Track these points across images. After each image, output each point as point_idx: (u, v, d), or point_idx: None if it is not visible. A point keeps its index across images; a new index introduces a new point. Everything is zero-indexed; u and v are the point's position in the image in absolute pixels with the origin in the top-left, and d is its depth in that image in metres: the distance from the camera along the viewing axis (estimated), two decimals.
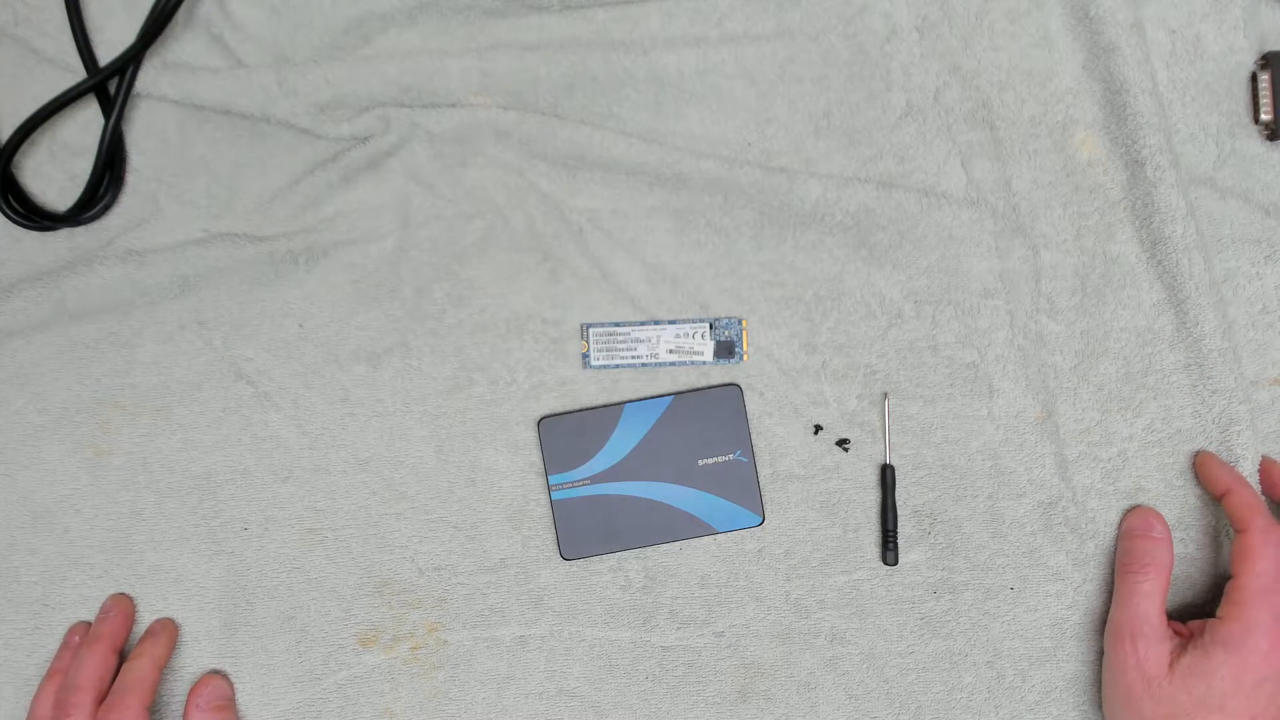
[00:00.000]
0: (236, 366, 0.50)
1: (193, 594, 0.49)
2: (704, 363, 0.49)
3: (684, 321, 0.49)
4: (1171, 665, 0.43)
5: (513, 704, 0.49)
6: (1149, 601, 0.45)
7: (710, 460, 0.49)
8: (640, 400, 0.49)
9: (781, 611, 0.49)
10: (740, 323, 0.49)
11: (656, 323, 0.49)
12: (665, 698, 0.49)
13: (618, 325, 0.49)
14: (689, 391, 0.49)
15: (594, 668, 0.49)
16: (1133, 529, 0.48)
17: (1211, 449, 0.49)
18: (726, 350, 0.49)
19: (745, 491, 0.49)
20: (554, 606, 0.49)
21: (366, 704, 0.49)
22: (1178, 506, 0.49)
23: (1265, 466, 0.48)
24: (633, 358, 0.49)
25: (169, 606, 0.49)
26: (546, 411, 0.50)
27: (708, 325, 0.49)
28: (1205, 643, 0.43)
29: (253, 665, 0.49)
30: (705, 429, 0.49)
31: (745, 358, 0.50)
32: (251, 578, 0.49)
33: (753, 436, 0.49)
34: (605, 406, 0.49)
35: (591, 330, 0.49)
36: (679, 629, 0.49)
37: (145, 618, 0.49)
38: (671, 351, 0.49)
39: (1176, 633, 0.45)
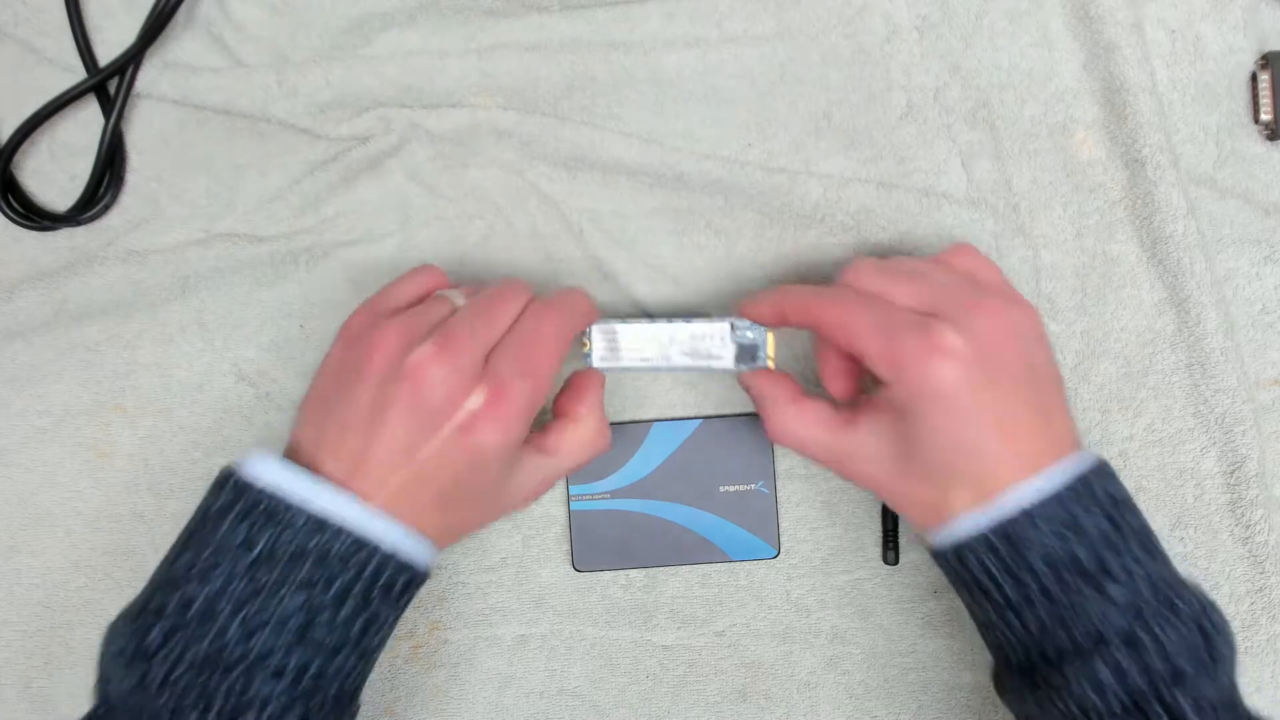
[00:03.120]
0: (238, 368, 0.50)
1: None
2: (723, 369, 0.45)
3: (699, 319, 0.45)
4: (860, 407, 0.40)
5: (513, 703, 0.49)
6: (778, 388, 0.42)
7: (731, 488, 0.49)
8: (668, 420, 0.49)
9: (782, 611, 0.49)
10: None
11: (669, 320, 0.45)
12: (666, 697, 0.49)
13: (623, 322, 0.48)
14: (717, 417, 0.49)
15: (595, 667, 0.49)
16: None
17: (1215, 449, 0.49)
18: (749, 355, 0.44)
19: (763, 522, 0.49)
20: (555, 606, 0.49)
21: (367, 704, 0.49)
22: (1178, 506, 0.49)
23: (770, 301, 0.43)
24: (641, 360, 0.46)
25: None
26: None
27: (728, 325, 0.45)
28: (883, 414, 0.40)
29: None
30: (730, 455, 0.49)
31: (771, 363, 0.45)
32: None
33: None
34: (633, 423, 0.49)
35: (595, 330, 0.49)
36: (679, 628, 0.49)
37: None
38: (686, 354, 0.45)
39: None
